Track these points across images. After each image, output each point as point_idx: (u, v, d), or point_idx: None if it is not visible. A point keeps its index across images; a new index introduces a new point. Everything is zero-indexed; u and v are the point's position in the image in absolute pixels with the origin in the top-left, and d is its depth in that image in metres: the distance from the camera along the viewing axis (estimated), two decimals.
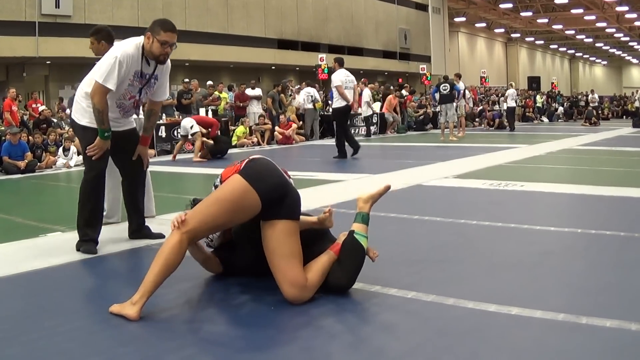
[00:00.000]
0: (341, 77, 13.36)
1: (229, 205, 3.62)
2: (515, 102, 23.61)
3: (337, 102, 13.48)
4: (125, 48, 4.99)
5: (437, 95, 20.04)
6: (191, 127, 14.40)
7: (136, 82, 5.14)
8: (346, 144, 13.26)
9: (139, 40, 5.07)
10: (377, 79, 31.04)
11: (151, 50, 5.01)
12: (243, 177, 3.65)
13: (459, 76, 21.47)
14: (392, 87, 26.10)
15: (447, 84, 19.07)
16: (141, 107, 5.77)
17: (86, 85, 5.23)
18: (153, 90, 5.35)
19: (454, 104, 19.27)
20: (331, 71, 13.81)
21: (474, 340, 3.11)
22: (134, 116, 5.59)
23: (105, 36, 6.24)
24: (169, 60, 5.24)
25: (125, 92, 5.15)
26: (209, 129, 14.64)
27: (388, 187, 4.04)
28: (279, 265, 3.66)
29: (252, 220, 3.74)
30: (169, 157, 14.95)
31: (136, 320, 3.41)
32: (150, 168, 5.89)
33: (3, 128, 14.20)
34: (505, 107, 25.66)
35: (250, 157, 3.88)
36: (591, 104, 31.00)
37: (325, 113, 21.89)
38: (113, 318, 3.51)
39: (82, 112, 5.23)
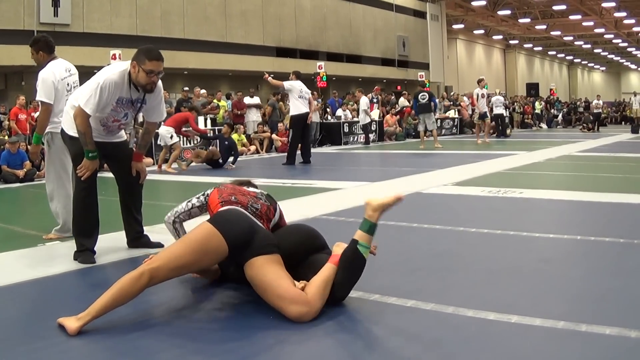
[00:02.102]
0: (294, 84, 13.89)
1: (194, 245, 3.68)
2: (506, 108, 23.48)
3: (294, 110, 13.95)
4: (110, 75, 4.98)
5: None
6: (170, 137, 13.77)
7: (120, 108, 5.15)
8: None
9: (126, 66, 5.04)
10: (376, 87, 31.00)
11: (137, 80, 4.99)
12: (211, 223, 3.77)
13: (479, 81, 21.49)
14: (388, 96, 26.12)
15: (425, 94, 19.05)
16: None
17: (74, 98, 5.29)
18: (138, 114, 5.39)
19: (432, 113, 19.27)
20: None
21: (473, 348, 3.10)
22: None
23: (42, 46, 6.30)
24: (159, 82, 5.22)
25: (109, 115, 5.17)
26: (187, 127, 14.35)
27: (400, 199, 3.83)
28: (272, 295, 3.61)
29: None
30: (163, 167, 14.93)
31: (73, 335, 3.38)
32: (149, 177, 5.88)
33: (6, 137, 14.18)
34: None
35: (222, 208, 4.04)
36: (595, 110, 30.92)
37: (324, 121, 21.96)
38: (112, 329, 3.50)
39: (69, 123, 5.27)
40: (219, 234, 3.68)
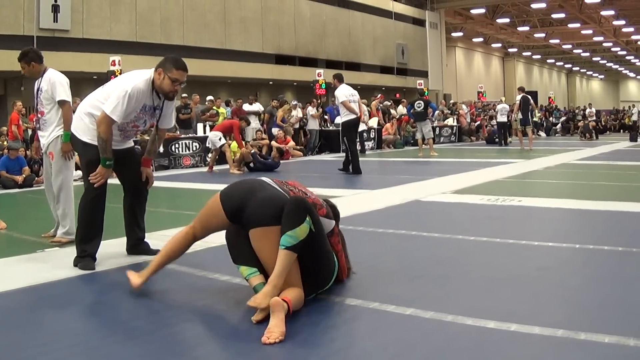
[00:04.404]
0: (345, 92, 13.32)
1: (206, 210, 4.21)
2: (508, 117, 23.54)
3: (346, 116, 13.39)
4: (137, 83, 5.08)
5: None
6: (219, 139, 14.97)
7: (142, 115, 5.25)
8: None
9: (149, 74, 5.15)
10: (375, 94, 31.08)
11: (161, 86, 5.11)
12: (220, 193, 4.16)
13: (521, 89, 21.89)
14: (388, 104, 26.14)
15: (421, 102, 19.00)
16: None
17: (89, 105, 5.34)
18: (155, 120, 5.44)
19: (428, 121, 19.29)
20: (332, 88, 13.91)
21: (473, 357, 3.10)
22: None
23: (33, 57, 6.63)
24: None
25: (130, 121, 5.24)
26: (232, 135, 15.01)
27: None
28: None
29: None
30: (166, 173, 14.98)
31: (136, 289, 4.22)
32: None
33: (7, 143, 14.16)
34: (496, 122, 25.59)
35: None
36: (589, 118, 30.95)
37: (324, 129, 21.94)
38: (112, 335, 3.51)
39: (83, 129, 5.31)
40: (218, 201, 4.09)
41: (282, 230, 3.73)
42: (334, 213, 4.51)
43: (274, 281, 3.65)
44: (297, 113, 20.93)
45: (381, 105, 25.56)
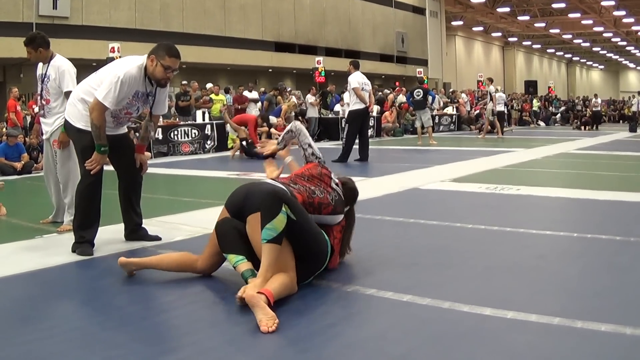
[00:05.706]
0: (358, 79, 13.13)
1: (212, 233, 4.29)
2: (506, 105, 23.50)
3: (355, 105, 13.21)
4: (129, 69, 5.05)
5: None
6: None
7: (135, 101, 5.22)
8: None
9: (141, 61, 5.12)
10: (375, 83, 30.96)
11: (154, 73, 5.09)
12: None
13: (490, 80, 22.63)
14: (386, 91, 26.13)
15: (420, 90, 19.06)
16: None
17: (82, 90, 5.32)
18: (148, 107, 5.42)
19: (428, 109, 19.32)
20: (332, 77, 13.84)
21: (469, 343, 3.11)
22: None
23: (41, 42, 6.46)
24: None
25: (122, 108, 5.21)
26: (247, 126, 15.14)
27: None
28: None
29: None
30: (165, 159, 14.98)
31: (120, 261, 4.35)
32: (149, 170, 5.88)
33: (6, 130, 14.14)
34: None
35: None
36: (594, 108, 30.85)
37: (322, 116, 21.91)
38: (109, 320, 3.52)
39: (77, 115, 5.28)
40: (225, 210, 4.23)
41: (261, 225, 3.77)
42: (353, 196, 4.71)
43: (263, 274, 3.68)
44: (292, 99, 20.92)
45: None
